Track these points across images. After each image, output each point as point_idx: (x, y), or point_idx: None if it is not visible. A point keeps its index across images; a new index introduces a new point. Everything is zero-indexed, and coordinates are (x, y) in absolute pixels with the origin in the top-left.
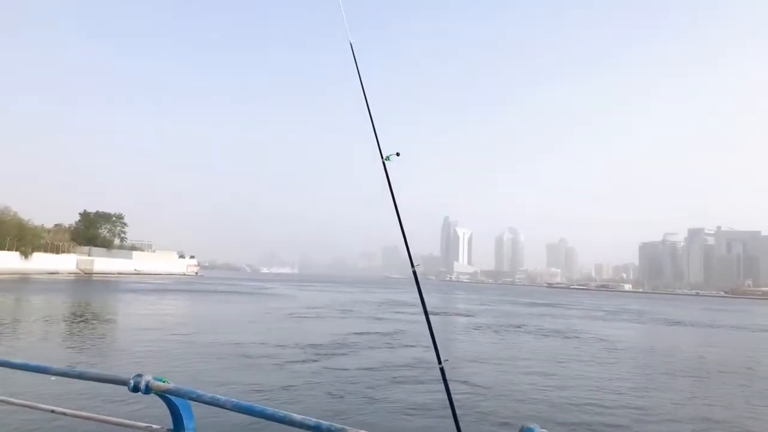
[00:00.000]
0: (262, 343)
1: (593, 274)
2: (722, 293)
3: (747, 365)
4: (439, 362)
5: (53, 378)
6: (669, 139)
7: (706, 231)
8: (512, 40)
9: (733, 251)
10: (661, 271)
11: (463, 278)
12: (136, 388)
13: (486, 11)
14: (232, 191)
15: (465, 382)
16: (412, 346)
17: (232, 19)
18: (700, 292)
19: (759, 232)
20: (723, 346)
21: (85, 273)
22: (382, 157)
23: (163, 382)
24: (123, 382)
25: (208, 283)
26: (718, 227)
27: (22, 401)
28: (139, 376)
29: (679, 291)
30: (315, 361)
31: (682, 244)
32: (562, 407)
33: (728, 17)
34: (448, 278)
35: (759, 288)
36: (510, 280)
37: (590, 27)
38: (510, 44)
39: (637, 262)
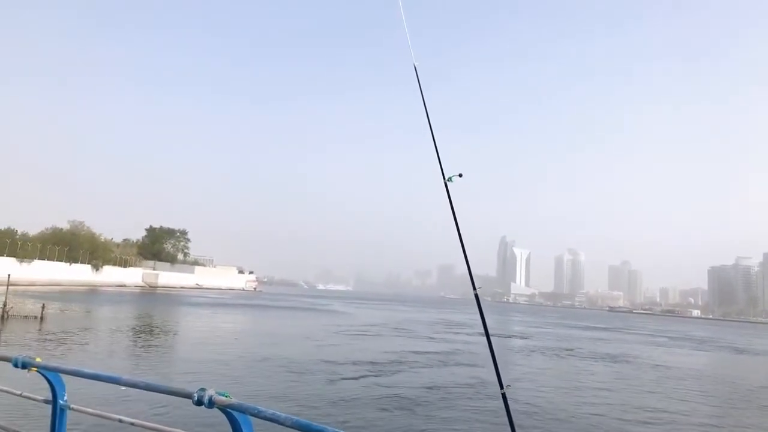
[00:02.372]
0: (320, 359)
1: (658, 299)
2: None
3: None
4: (501, 387)
5: (123, 388)
6: (734, 154)
7: None
8: (571, 58)
9: None
10: (733, 297)
11: (521, 300)
12: (199, 402)
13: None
14: (290, 209)
15: (520, 405)
16: (468, 366)
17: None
18: None
19: None
20: None
21: (150, 286)
22: (444, 178)
23: (226, 396)
24: (188, 395)
25: (267, 298)
26: None
27: (93, 410)
28: (203, 390)
29: (754, 319)
30: (369, 378)
31: (756, 268)
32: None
33: None
34: (504, 300)
35: None
36: (569, 302)
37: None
38: (569, 61)
39: (706, 287)
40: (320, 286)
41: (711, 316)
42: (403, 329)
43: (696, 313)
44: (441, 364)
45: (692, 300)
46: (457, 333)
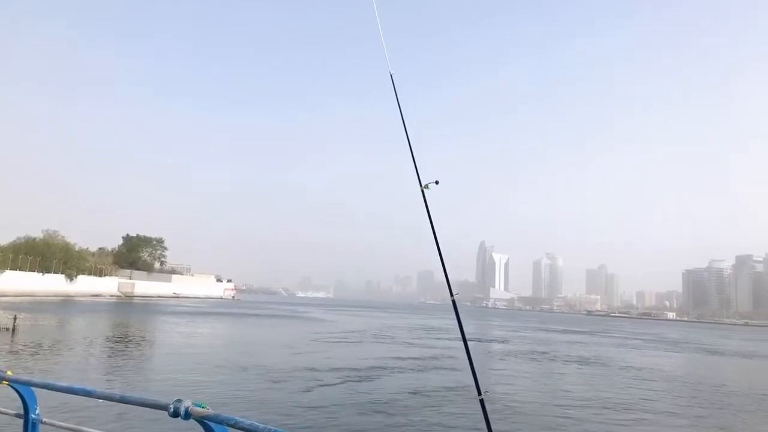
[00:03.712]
0: (300, 367)
1: (635, 302)
2: None
3: (754, 392)
4: (479, 394)
5: (97, 401)
6: (711, 167)
7: (755, 258)
8: (553, 64)
9: None
10: (706, 300)
11: (500, 305)
12: (176, 413)
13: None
14: (269, 217)
15: (498, 408)
16: (448, 370)
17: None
18: (750, 322)
19: None
20: (746, 375)
21: (126, 296)
22: (420, 186)
23: (203, 407)
24: (163, 407)
25: (245, 306)
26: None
27: (66, 424)
28: (179, 401)
29: (727, 320)
30: (348, 384)
31: (729, 271)
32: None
33: None
34: (484, 304)
35: None
36: (548, 307)
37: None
38: (550, 68)
39: (680, 290)
40: (300, 294)
41: (686, 318)
42: (383, 335)
43: (671, 315)
44: (421, 369)
45: (668, 303)
46: (438, 338)
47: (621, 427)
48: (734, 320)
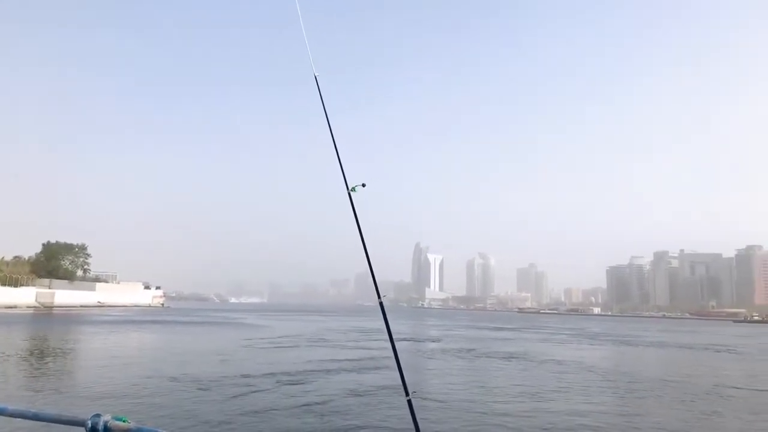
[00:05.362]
0: (232, 374)
1: (563, 298)
2: (687, 315)
3: (662, 378)
4: (407, 394)
5: (11, 419)
6: (630, 167)
7: (671, 254)
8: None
9: (697, 273)
10: (628, 295)
11: (435, 305)
12: (93, 430)
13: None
14: (198, 221)
15: (429, 404)
16: (383, 370)
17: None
18: (666, 314)
19: (720, 254)
20: (656, 363)
21: (45, 306)
22: (347, 189)
23: (124, 421)
24: (80, 423)
25: (175, 314)
26: (681, 250)
27: None
28: (98, 416)
29: (646, 314)
30: (282, 388)
31: (648, 267)
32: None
33: None
34: (420, 305)
35: (723, 309)
36: (481, 305)
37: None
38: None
39: (605, 286)
40: (233, 300)
41: (610, 313)
42: (319, 339)
43: (597, 310)
44: (357, 370)
45: (593, 299)
46: (375, 340)
47: (541, 415)
48: (653, 313)
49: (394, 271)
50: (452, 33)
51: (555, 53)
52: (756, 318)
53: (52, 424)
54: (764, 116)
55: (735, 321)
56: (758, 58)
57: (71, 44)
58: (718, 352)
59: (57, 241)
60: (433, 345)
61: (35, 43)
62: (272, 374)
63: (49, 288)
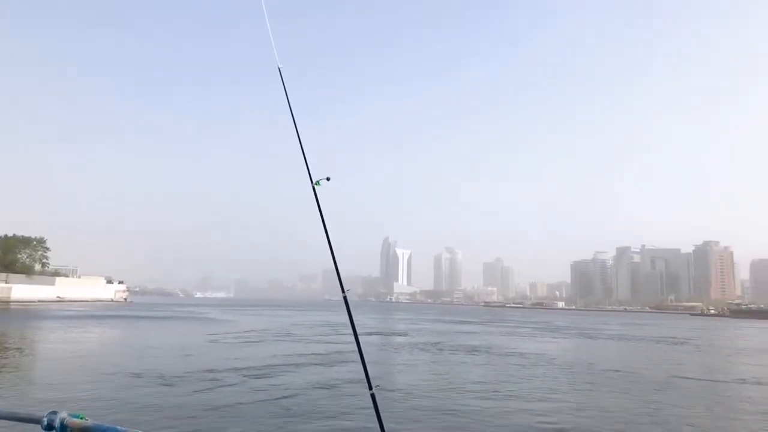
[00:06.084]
0: (195, 369)
1: (528, 292)
2: (647, 309)
3: (618, 369)
4: (370, 388)
5: None
6: (594, 162)
7: (633, 249)
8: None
9: (657, 268)
10: (591, 289)
11: (403, 299)
12: (50, 427)
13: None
14: (164, 214)
15: (393, 396)
16: (350, 363)
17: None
18: (628, 308)
19: (679, 249)
20: (614, 355)
21: (1, 301)
22: (311, 182)
23: (81, 418)
24: (36, 420)
25: (138, 308)
26: (643, 245)
27: None
28: (54, 413)
29: (608, 307)
30: (247, 382)
31: (610, 262)
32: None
33: None
34: (388, 299)
35: (681, 303)
36: (448, 299)
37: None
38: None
39: (569, 280)
40: (198, 294)
41: (573, 307)
42: (286, 333)
43: (561, 304)
44: (324, 363)
45: (558, 293)
46: (342, 334)
47: (500, 405)
48: (615, 307)
49: (362, 265)
50: (420, 28)
51: (520, 52)
52: (712, 311)
53: (7, 422)
54: (721, 129)
55: (692, 314)
56: (719, 76)
57: (71, 44)
58: (674, 344)
59: (14, 235)
60: (399, 339)
61: (35, 42)
62: (237, 369)
63: (6, 282)
